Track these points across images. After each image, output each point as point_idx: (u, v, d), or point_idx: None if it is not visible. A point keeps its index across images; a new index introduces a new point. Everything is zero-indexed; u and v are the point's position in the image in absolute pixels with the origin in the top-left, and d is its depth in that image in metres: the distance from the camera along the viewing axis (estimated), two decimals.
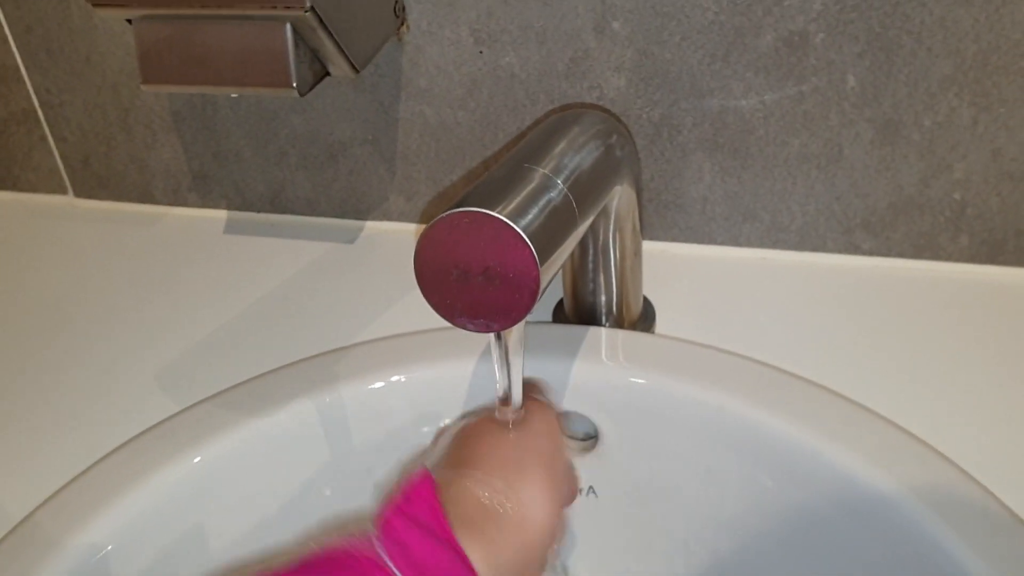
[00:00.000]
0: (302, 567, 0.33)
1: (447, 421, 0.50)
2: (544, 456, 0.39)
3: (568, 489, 0.42)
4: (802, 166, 0.55)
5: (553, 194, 0.37)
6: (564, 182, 0.38)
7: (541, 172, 0.37)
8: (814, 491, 0.44)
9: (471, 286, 0.34)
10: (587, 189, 0.39)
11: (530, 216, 0.34)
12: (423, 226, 0.35)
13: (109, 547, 0.43)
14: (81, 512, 0.44)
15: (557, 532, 0.39)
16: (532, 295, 0.34)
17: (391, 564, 0.33)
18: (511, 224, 0.33)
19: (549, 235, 0.35)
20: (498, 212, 0.33)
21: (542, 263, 0.34)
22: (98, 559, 0.43)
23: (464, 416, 0.45)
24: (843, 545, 0.44)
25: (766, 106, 0.53)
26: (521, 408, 0.41)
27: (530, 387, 0.47)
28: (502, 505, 0.36)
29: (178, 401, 0.50)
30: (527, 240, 0.33)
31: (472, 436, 0.41)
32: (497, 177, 0.36)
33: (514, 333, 0.38)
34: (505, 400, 0.41)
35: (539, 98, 0.57)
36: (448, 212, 0.34)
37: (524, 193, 0.35)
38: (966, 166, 0.52)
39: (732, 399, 0.46)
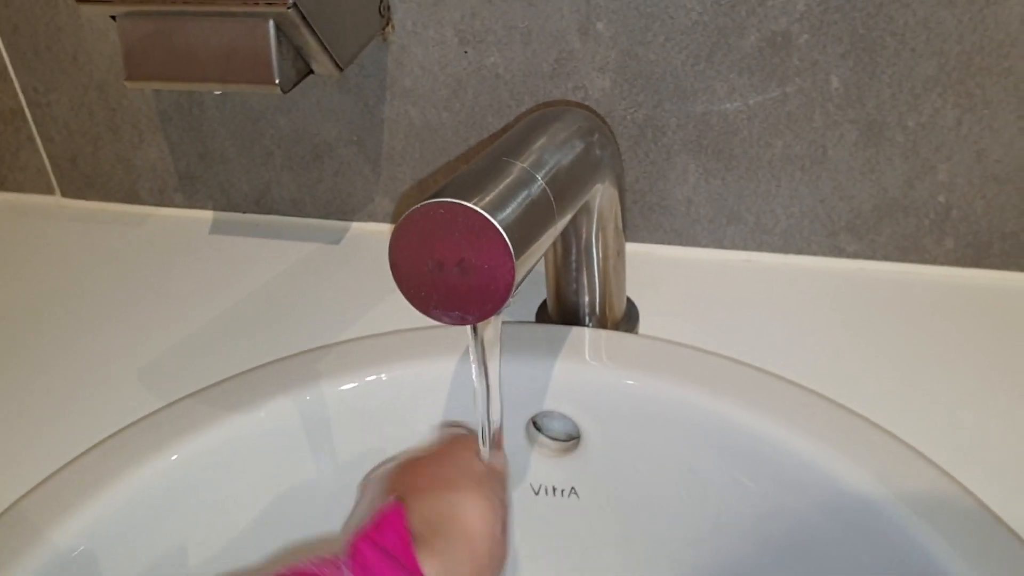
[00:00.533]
0: None
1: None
2: (474, 475, 0.42)
3: (502, 508, 0.43)
4: (786, 168, 0.55)
5: (531, 188, 0.36)
6: (543, 177, 0.37)
7: (520, 166, 0.37)
8: (797, 493, 0.44)
9: (446, 277, 0.34)
10: (566, 185, 0.39)
11: (507, 209, 0.34)
12: None
13: (83, 545, 0.43)
14: (58, 508, 0.43)
15: (499, 548, 0.40)
16: (507, 287, 0.33)
17: None
18: (487, 216, 0.33)
19: (526, 228, 0.35)
20: (474, 203, 0.33)
21: (517, 256, 0.33)
22: (76, 555, 0.43)
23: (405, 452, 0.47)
24: (827, 547, 0.44)
25: (750, 107, 0.53)
26: (500, 450, 0.43)
27: (453, 426, 0.50)
28: (450, 522, 0.38)
29: (163, 400, 0.50)
30: (503, 232, 0.33)
31: (408, 466, 0.44)
32: (475, 170, 0.36)
33: (489, 329, 0.38)
34: (484, 438, 0.42)
35: (524, 99, 0.57)
36: (424, 202, 0.33)
37: (501, 186, 0.35)
38: (950, 168, 0.52)
39: (715, 400, 0.46)
